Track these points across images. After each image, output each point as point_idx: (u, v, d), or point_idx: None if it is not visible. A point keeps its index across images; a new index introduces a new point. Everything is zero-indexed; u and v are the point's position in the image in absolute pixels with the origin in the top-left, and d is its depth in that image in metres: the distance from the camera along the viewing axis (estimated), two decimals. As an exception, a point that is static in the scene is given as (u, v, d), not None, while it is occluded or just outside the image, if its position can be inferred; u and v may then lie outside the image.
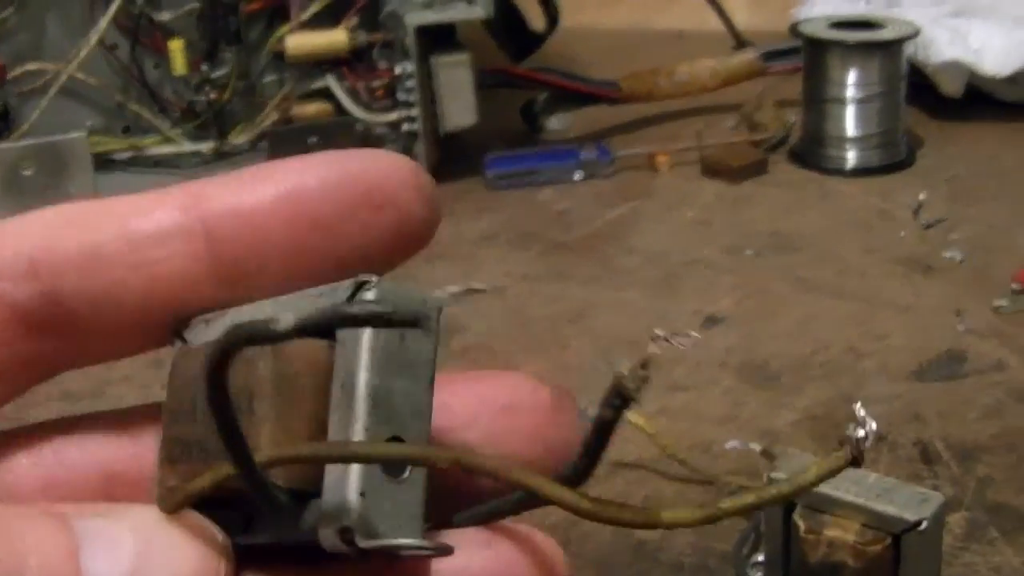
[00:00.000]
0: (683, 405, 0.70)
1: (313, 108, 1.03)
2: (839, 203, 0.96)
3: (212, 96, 1.03)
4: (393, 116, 1.02)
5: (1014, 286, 0.80)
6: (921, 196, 0.92)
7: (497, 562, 0.26)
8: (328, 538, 0.23)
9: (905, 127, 1.04)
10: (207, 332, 0.27)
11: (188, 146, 1.02)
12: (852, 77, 1.00)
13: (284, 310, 0.23)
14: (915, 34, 1.01)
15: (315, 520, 0.23)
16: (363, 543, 0.23)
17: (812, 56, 1.03)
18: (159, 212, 0.27)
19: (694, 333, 0.24)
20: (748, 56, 1.13)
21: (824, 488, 0.53)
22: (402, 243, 0.27)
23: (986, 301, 0.79)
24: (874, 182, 0.99)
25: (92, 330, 0.28)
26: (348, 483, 0.23)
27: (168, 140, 1.02)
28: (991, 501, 0.60)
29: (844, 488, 0.52)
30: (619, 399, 0.22)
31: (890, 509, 0.51)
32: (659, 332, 0.26)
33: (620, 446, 0.66)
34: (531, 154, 1.06)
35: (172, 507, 0.25)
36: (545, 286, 0.85)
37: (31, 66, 0.99)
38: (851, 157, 1.02)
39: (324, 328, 0.22)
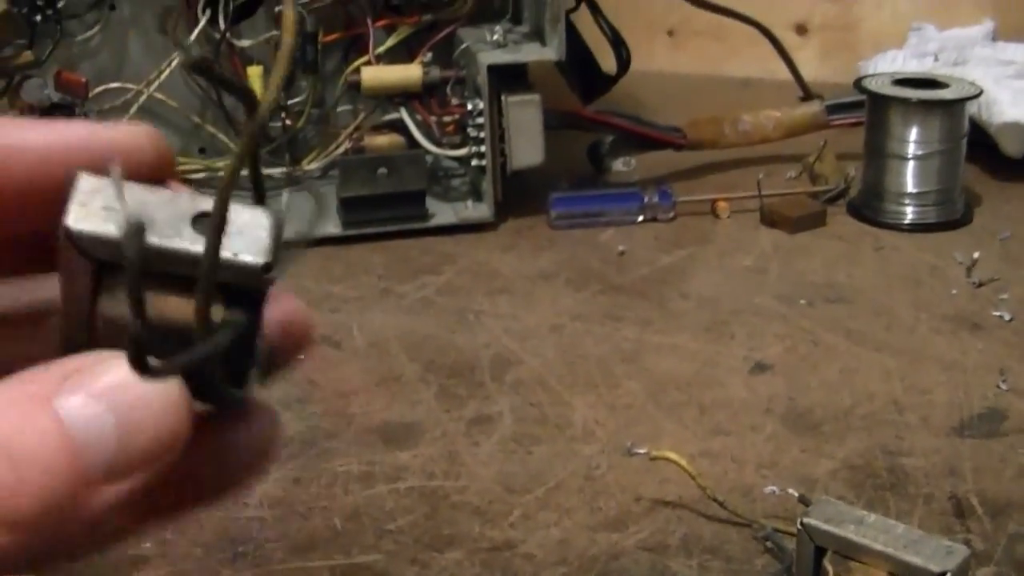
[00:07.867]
0: (726, 448, 0.72)
1: (385, 139, 1.06)
2: (893, 258, 0.98)
3: (287, 122, 1.07)
4: (462, 151, 1.05)
5: (1060, 348, 0.81)
6: (975, 254, 0.94)
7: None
8: None
9: (964, 185, 1.05)
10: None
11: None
12: (913, 134, 1.02)
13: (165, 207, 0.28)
14: (977, 94, 1.03)
15: None
16: None
17: (875, 111, 1.05)
18: None
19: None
20: (811, 108, 1.16)
21: (853, 536, 0.55)
22: None
23: (1031, 362, 0.80)
24: (929, 238, 1.01)
25: None
26: None
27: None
28: (1020, 557, 0.62)
29: (872, 537, 0.54)
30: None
31: (916, 559, 0.53)
32: None
33: (661, 485, 0.68)
34: (595, 195, 1.08)
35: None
36: (600, 325, 0.88)
37: (113, 84, 1.03)
38: (909, 212, 1.03)
39: None
